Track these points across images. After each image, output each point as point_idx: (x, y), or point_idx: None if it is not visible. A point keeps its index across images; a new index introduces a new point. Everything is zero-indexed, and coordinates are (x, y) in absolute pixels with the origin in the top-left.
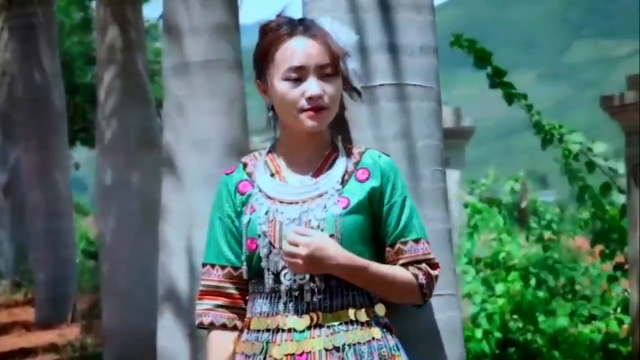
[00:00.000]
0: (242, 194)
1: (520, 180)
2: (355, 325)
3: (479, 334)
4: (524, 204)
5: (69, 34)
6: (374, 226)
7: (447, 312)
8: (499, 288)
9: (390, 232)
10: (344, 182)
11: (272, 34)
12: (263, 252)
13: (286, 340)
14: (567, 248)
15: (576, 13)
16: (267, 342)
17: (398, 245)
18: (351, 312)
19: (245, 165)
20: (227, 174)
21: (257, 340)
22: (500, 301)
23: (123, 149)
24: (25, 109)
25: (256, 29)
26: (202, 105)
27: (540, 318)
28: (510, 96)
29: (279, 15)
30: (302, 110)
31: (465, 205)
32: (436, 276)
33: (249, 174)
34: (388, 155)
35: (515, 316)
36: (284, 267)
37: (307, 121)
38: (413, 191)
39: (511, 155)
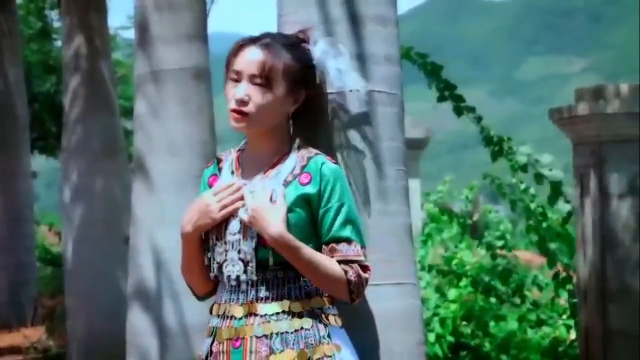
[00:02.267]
0: (211, 186)
1: (475, 189)
2: (286, 315)
3: (432, 337)
4: (475, 217)
5: (28, 42)
6: (314, 226)
7: (407, 300)
8: (452, 294)
9: (325, 232)
10: (287, 183)
11: (238, 43)
12: (210, 242)
13: (228, 326)
14: (517, 261)
15: (527, 29)
16: (216, 327)
17: (332, 245)
18: (285, 304)
19: (219, 161)
20: (206, 168)
21: (211, 324)
22: (453, 306)
23: (87, 155)
24: None
25: (221, 38)
26: (171, 112)
27: (491, 323)
28: (460, 109)
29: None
30: (231, 110)
31: (429, 215)
32: (366, 279)
33: (220, 169)
34: (336, 163)
35: (464, 322)
36: (225, 260)
37: (231, 121)
38: (378, 188)
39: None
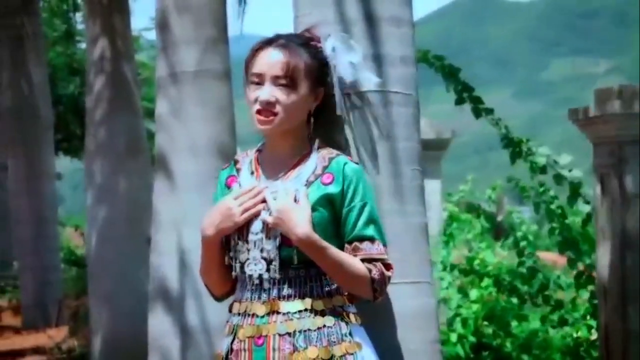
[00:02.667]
0: (229, 187)
1: (498, 190)
2: (309, 313)
3: (453, 337)
4: (500, 218)
5: (53, 45)
6: (337, 226)
7: (422, 299)
8: (473, 294)
9: (348, 231)
10: (309, 184)
11: (255, 47)
12: (232, 243)
13: (250, 324)
14: (542, 262)
15: (551, 30)
16: (237, 325)
17: (355, 243)
18: (307, 302)
19: (236, 162)
20: (222, 169)
21: (231, 322)
22: (475, 307)
23: (111, 156)
24: (13, 118)
25: (241, 40)
26: (192, 113)
27: (514, 323)
28: (478, 110)
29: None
30: (256, 112)
31: (450, 216)
32: (389, 277)
33: (238, 170)
34: (357, 164)
35: (485, 322)
36: (247, 259)
37: (257, 123)
38: (394, 188)
39: (489, 170)
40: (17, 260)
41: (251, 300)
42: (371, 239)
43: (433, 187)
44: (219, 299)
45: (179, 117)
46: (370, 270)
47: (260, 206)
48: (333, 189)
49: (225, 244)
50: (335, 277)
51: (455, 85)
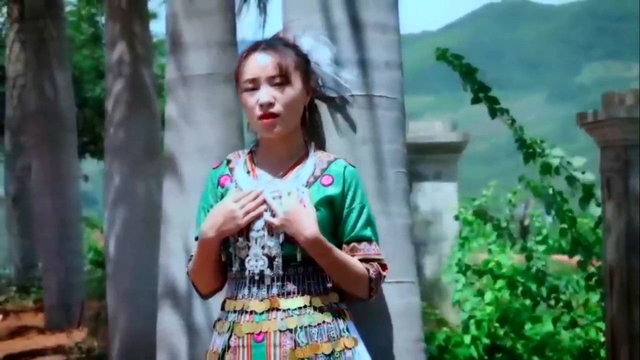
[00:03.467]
0: (222, 186)
1: (518, 194)
2: (308, 310)
3: (467, 339)
4: (527, 221)
5: (80, 48)
6: (334, 226)
7: (406, 298)
8: (488, 296)
9: (347, 232)
10: (308, 185)
11: (241, 55)
12: (231, 240)
13: (248, 321)
14: (561, 264)
15: (584, 34)
16: (234, 322)
17: (353, 244)
18: (306, 299)
19: (229, 162)
20: (213, 168)
21: (226, 319)
22: (489, 309)
23: (129, 158)
24: (36, 120)
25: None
26: (201, 116)
27: (527, 325)
28: (494, 110)
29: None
30: (259, 118)
31: (456, 217)
32: (384, 277)
33: (231, 170)
34: (354, 167)
35: (497, 324)
36: (247, 255)
37: (263, 130)
38: (378, 190)
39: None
40: (40, 261)
41: (249, 297)
42: (369, 240)
43: (449, 190)
44: (206, 296)
45: (188, 119)
46: (368, 270)
47: (262, 208)
48: (333, 190)
49: (222, 241)
50: (336, 276)
51: (472, 84)
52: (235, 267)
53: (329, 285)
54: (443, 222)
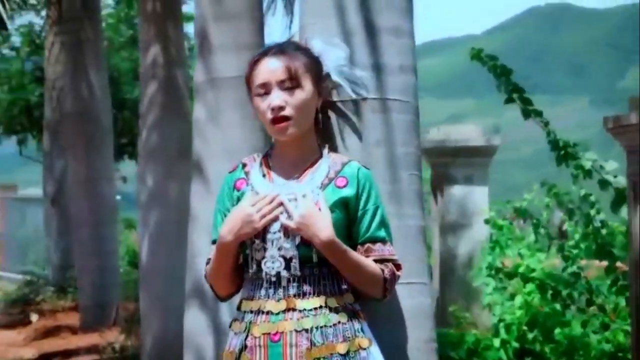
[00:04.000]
0: (238, 190)
1: (554, 198)
2: (324, 310)
3: (497, 343)
4: (565, 226)
5: (118, 50)
6: (349, 227)
7: (417, 298)
8: (518, 300)
9: (362, 233)
10: (323, 187)
11: (252, 60)
12: (248, 242)
13: (264, 321)
14: (597, 269)
15: (629, 38)
16: (250, 322)
17: (368, 245)
18: (322, 299)
19: (244, 165)
20: (229, 172)
21: (243, 320)
22: (519, 312)
23: (162, 160)
24: (73, 121)
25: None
26: (229, 118)
27: (557, 330)
28: (527, 112)
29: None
30: (271, 121)
31: (486, 221)
32: (398, 277)
33: (246, 173)
34: (368, 169)
35: (525, 328)
36: (264, 257)
37: (276, 133)
38: (391, 192)
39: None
40: (75, 261)
41: (265, 298)
42: (383, 241)
43: (480, 193)
44: (224, 299)
45: (216, 121)
46: (382, 271)
47: (278, 210)
48: (348, 192)
49: (240, 243)
50: (351, 277)
51: (506, 85)
52: (252, 269)
53: (344, 286)
54: (474, 226)
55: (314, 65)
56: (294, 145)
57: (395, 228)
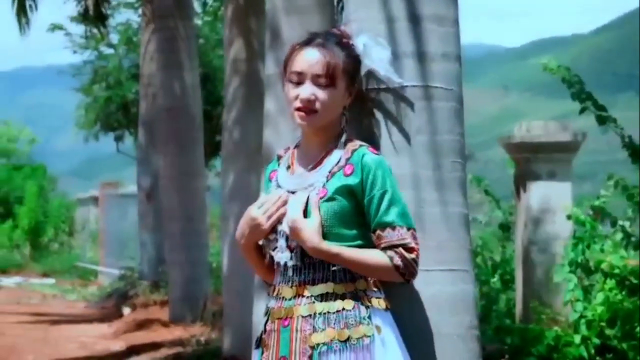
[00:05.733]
0: (271, 180)
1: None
2: (330, 297)
3: (577, 339)
4: None
5: (214, 48)
6: (359, 214)
7: (459, 285)
8: (599, 296)
9: (370, 220)
10: (331, 174)
11: (294, 46)
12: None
13: (280, 307)
14: None
15: None
16: (271, 308)
17: (378, 232)
18: (329, 286)
19: (279, 157)
20: (267, 164)
21: (267, 305)
22: (599, 309)
23: (244, 154)
24: (165, 117)
25: None
26: None
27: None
28: (602, 118)
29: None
30: (297, 109)
31: (568, 217)
32: (413, 259)
33: (279, 165)
34: (378, 154)
35: (603, 324)
36: (276, 247)
37: (298, 119)
38: (433, 179)
39: None
40: (166, 255)
41: (281, 284)
42: (391, 226)
43: (563, 189)
44: (270, 284)
45: (286, 114)
46: (392, 258)
47: (283, 209)
48: (352, 180)
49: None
50: (359, 272)
51: (579, 94)
52: (267, 258)
53: (357, 273)
54: (556, 222)
55: (352, 65)
56: (315, 136)
57: (438, 215)
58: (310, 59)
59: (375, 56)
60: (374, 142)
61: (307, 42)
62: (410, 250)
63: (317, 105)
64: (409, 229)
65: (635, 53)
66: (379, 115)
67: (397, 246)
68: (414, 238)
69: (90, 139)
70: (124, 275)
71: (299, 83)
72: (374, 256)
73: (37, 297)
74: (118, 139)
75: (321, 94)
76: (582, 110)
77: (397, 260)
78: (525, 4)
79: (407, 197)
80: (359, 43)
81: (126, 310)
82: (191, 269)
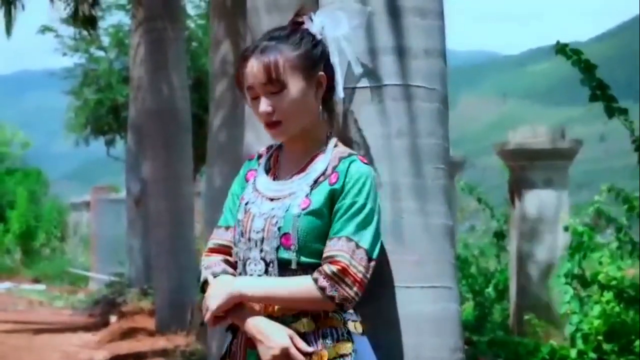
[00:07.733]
0: (247, 181)
1: (636, 202)
2: (305, 317)
3: (574, 353)
4: None
5: (207, 51)
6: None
7: (440, 304)
8: (596, 309)
9: (332, 227)
10: (317, 183)
11: (239, 57)
12: (235, 238)
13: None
14: None
15: None
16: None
17: (330, 241)
18: None
19: (259, 156)
20: (248, 160)
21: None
22: (596, 322)
23: (230, 159)
24: (152, 120)
25: None
26: None
27: (637, 341)
28: (611, 110)
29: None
30: (265, 126)
31: (565, 228)
32: (334, 272)
33: (259, 165)
34: (367, 164)
35: (599, 337)
36: (248, 258)
37: (271, 135)
38: (414, 186)
39: None
40: (153, 261)
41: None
42: (339, 237)
43: (560, 197)
44: None
45: None
46: (316, 280)
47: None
48: (336, 186)
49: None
50: (286, 306)
51: (590, 81)
52: (240, 269)
53: None
54: (552, 231)
55: (303, 57)
56: (298, 142)
57: (418, 226)
58: (254, 70)
59: (330, 35)
60: (346, 146)
61: (251, 51)
62: (334, 262)
63: (278, 115)
64: (362, 251)
65: (635, 61)
66: (351, 116)
67: (326, 259)
68: (361, 264)
69: (80, 142)
70: (113, 282)
71: (256, 97)
72: (299, 289)
73: (23, 303)
74: (108, 143)
75: (275, 103)
76: (591, 98)
77: (322, 282)
78: (525, 12)
79: (385, 207)
80: (315, 26)
81: (113, 319)
82: (178, 276)
